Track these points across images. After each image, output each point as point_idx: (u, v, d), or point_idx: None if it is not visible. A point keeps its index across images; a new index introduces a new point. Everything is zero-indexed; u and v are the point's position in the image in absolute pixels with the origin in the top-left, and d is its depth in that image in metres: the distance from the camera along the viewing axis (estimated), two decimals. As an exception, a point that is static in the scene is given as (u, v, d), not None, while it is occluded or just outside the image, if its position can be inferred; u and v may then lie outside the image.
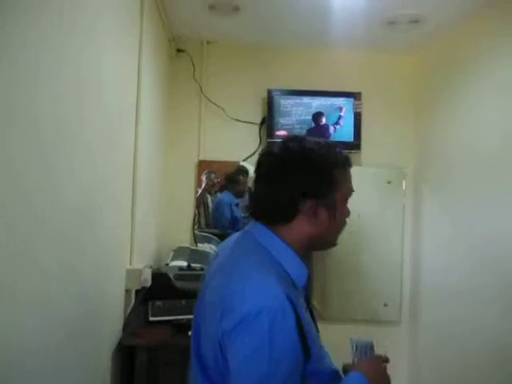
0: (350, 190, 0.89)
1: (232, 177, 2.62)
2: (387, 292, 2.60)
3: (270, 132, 2.52)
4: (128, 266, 1.56)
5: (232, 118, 2.58)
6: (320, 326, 0.95)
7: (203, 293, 0.87)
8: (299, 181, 0.83)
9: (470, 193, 2.08)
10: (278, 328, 0.73)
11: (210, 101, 2.57)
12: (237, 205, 2.62)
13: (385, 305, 2.56)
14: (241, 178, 2.60)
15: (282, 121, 2.52)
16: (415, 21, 2.16)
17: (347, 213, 0.90)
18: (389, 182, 2.62)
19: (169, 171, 2.55)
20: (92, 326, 1.20)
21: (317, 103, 2.54)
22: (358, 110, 2.56)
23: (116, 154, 1.39)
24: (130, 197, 1.61)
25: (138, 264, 1.62)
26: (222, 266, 0.87)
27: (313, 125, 2.55)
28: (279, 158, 0.86)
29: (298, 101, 2.54)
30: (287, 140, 0.88)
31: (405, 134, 2.70)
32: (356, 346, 0.97)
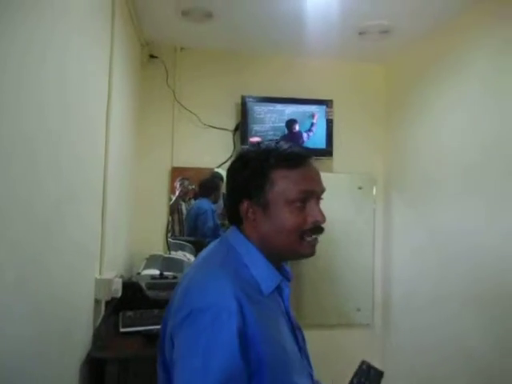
0: (301, 191, 0.83)
1: (209, 183, 2.60)
2: (360, 297, 2.64)
3: (244, 138, 2.52)
4: (97, 276, 1.52)
5: (205, 125, 2.57)
6: (295, 332, 0.94)
7: (171, 301, 0.86)
8: (237, 183, 0.88)
9: (440, 199, 2.15)
10: (218, 326, 0.73)
11: (184, 107, 2.56)
12: (215, 211, 2.61)
13: (358, 309, 2.60)
14: (220, 183, 2.59)
15: (256, 127, 2.53)
16: (385, 31, 2.23)
17: (302, 218, 0.83)
18: (360, 188, 2.67)
19: (141, 178, 2.51)
20: (59, 339, 1.16)
21: (290, 110, 2.57)
22: (330, 118, 2.61)
23: (85, 163, 1.36)
24: (99, 206, 1.57)
25: (108, 274, 1.58)
26: (190, 272, 0.87)
27: (286, 131, 2.58)
28: (230, 166, 0.92)
29: (271, 108, 2.56)
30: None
31: (375, 141, 2.77)
32: (367, 369, 0.95)
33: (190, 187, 2.60)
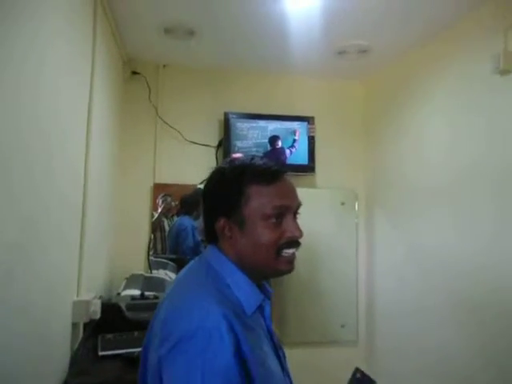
0: (276, 207, 0.81)
1: (190, 199, 2.57)
2: (344, 313, 2.63)
3: (227, 154, 2.52)
4: (75, 298, 1.46)
5: (188, 141, 2.56)
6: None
7: (151, 326, 0.83)
8: (212, 200, 0.87)
9: (420, 213, 2.19)
10: (212, 349, 0.69)
11: (166, 123, 2.55)
12: (196, 228, 2.57)
13: (342, 326, 2.58)
14: (201, 199, 2.56)
15: (239, 144, 2.54)
16: (363, 51, 2.29)
17: (278, 233, 0.82)
18: (342, 204, 2.69)
19: (123, 195, 2.46)
20: (32, 368, 1.10)
21: (273, 126, 2.59)
22: (312, 134, 2.64)
23: (62, 180, 1.32)
24: (78, 225, 1.52)
25: (86, 295, 1.52)
26: (169, 295, 0.84)
27: (269, 148, 2.59)
28: (206, 184, 0.90)
29: (254, 124, 2.57)
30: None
31: (356, 157, 2.82)
32: (361, 377, 0.94)
33: (174, 204, 2.56)
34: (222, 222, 0.84)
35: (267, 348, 0.82)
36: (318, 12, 1.88)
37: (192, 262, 0.90)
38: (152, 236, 2.52)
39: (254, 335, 0.79)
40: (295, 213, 0.86)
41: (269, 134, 2.59)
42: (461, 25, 1.91)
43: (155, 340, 0.76)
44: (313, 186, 2.69)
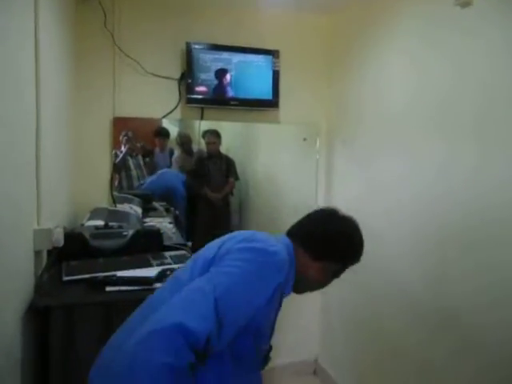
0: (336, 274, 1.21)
1: (185, 138, 2.66)
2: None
3: (190, 87, 2.46)
4: (35, 227, 1.48)
5: (149, 73, 2.46)
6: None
7: (214, 243, 1.07)
8: (333, 246, 1.16)
9: (378, 151, 2.27)
10: (276, 272, 0.95)
11: (125, 53, 2.41)
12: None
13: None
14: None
15: (202, 76, 2.47)
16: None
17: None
18: (304, 139, 2.74)
19: (82, 129, 2.39)
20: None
21: (237, 59, 2.52)
22: (277, 68, 2.59)
23: (9, 114, 1.27)
24: (32, 157, 1.49)
25: (47, 224, 1.53)
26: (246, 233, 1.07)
27: (216, 82, 2.49)
28: (335, 232, 1.17)
29: (217, 56, 2.49)
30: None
31: (320, 93, 2.82)
32: None
33: (139, 145, 2.55)
34: (328, 263, 1.12)
35: (273, 312, 1.07)
36: None
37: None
38: (117, 176, 2.51)
39: (278, 297, 1.02)
40: None
41: (233, 67, 2.53)
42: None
43: (229, 242, 1.02)
44: (276, 121, 2.70)
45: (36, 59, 1.50)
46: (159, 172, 2.67)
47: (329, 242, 1.12)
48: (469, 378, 1.62)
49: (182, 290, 0.88)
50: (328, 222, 1.16)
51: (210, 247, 1.05)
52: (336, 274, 1.16)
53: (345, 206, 2.63)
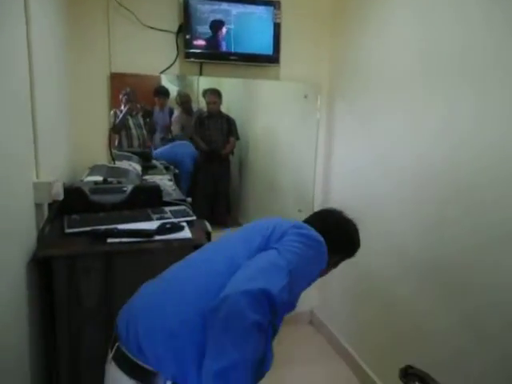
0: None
1: (185, 98, 2.62)
2: (302, 199, 2.81)
3: (188, 41, 2.38)
4: (35, 180, 1.48)
5: (145, 26, 2.37)
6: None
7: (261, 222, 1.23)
8: (339, 238, 1.31)
9: (381, 108, 2.22)
10: (322, 260, 1.14)
11: (119, 3, 2.32)
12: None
13: (299, 210, 2.79)
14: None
15: (200, 29, 2.38)
16: None
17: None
18: (305, 97, 2.69)
19: (79, 85, 2.34)
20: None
21: (236, 10, 2.42)
22: (278, 21, 2.50)
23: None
24: (28, 111, 1.46)
25: (46, 178, 1.53)
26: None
27: (210, 33, 2.40)
28: (348, 231, 1.38)
29: (216, 7, 2.39)
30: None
31: (322, 48, 2.73)
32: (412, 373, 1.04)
33: (139, 105, 2.51)
34: (338, 258, 1.31)
35: None
36: None
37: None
38: (117, 136, 2.49)
39: None
40: None
41: (233, 20, 2.43)
42: None
43: (281, 227, 1.15)
44: (276, 77, 2.64)
45: (26, 7, 1.43)
46: (172, 143, 2.66)
47: (343, 236, 1.31)
48: None
49: (253, 260, 1.02)
50: (337, 217, 1.37)
51: (261, 227, 1.16)
52: (335, 264, 1.32)
53: (344, 167, 2.63)
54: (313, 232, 1.13)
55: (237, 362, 0.82)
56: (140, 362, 0.94)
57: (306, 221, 1.30)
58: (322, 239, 1.13)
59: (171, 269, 1.17)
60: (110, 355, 1.03)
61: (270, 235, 1.11)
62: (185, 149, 2.70)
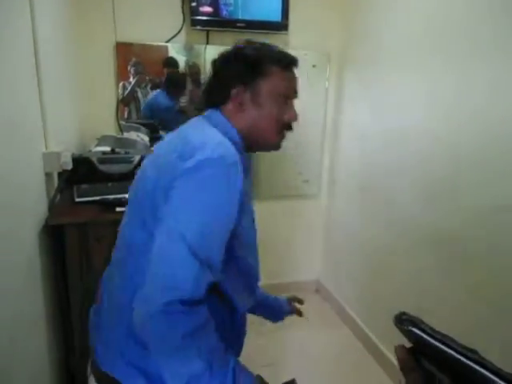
0: (286, 89, 0.94)
1: (178, 83, 2.55)
2: (308, 170, 2.82)
3: (195, 8, 2.33)
4: (44, 150, 1.50)
5: (150, -8, 2.32)
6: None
7: (152, 156, 0.92)
8: (233, 70, 0.93)
9: (392, 78, 2.16)
10: (233, 176, 0.79)
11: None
12: (169, 108, 2.58)
13: (305, 181, 2.80)
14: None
15: (206, -4, 2.32)
16: None
17: (283, 112, 0.94)
18: (314, 66, 2.63)
19: (85, 55, 2.32)
20: (12, 208, 1.18)
21: (243, -24, 2.34)
22: (286, -15, 2.42)
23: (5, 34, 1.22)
24: (34, 84, 1.46)
25: (55, 148, 1.56)
26: (177, 132, 0.92)
27: None
28: (224, 55, 0.96)
29: (222, -28, 2.32)
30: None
31: (332, 16, 2.64)
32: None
33: (148, 78, 2.49)
34: (238, 89, 0.92)
35: (250, 194, 0.95)
36: None
37: (193, 119, 0.96)
38: (127, 109, 2.50)
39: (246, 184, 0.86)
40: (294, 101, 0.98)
41: (239, -14, 2.36)
42: None
43: (171, 156, 0.82)
44: (285, 45, 2.58)
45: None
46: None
47: (227, 69, 0.95)
48: None
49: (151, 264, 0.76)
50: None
51: (147, 180, 0.87)
52: (277, 93, 0.93)
53: (353, 136, 2.60)
54: (203, 152, 0.79)
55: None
56: (114, 375, 0.87)
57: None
58: (219, 151, 0.79)
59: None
60: (89, 369, 0.97)
61: (155, 196, 0.82)
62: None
